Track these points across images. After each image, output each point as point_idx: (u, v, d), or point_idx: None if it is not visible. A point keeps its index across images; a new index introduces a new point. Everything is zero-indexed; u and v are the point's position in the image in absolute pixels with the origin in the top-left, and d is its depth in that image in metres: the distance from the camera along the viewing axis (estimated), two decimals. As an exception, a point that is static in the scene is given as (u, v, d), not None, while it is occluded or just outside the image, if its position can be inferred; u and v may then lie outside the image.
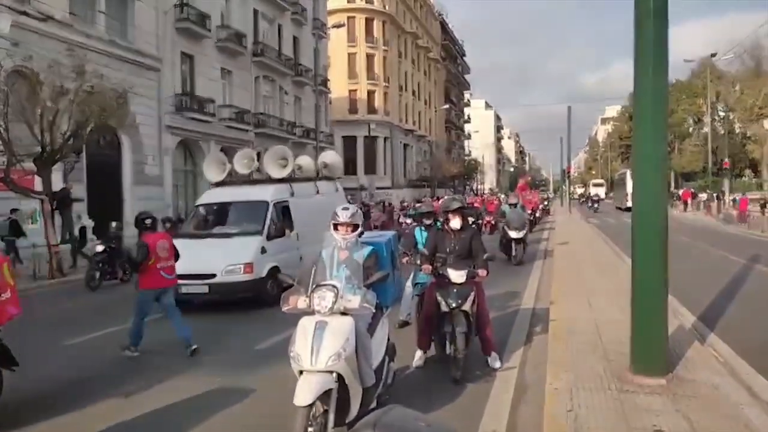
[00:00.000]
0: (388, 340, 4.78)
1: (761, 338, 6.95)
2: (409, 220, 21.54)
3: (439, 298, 5.40)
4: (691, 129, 63.44)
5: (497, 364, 5.73)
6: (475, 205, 24.75)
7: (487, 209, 22.69)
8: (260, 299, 9.30)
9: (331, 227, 4.56)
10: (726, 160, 39.87)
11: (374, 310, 4.19)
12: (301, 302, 4.01)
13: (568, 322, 7.08)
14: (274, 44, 33.04)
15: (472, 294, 5.42)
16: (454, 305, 5.32)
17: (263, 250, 9.73)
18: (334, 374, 3.71)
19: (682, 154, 59.16)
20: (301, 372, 3.74)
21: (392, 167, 54.77)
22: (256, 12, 31.05)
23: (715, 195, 36.41)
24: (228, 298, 9.26)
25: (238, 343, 7.39)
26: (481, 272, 5.50)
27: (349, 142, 50.73)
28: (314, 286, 4.04)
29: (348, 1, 50.55)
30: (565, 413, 4.24)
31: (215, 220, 10.90)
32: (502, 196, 38.52)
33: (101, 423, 4.73)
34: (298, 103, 36.49)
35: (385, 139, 53.60)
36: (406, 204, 32.78)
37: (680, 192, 42.39)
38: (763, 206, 29.13)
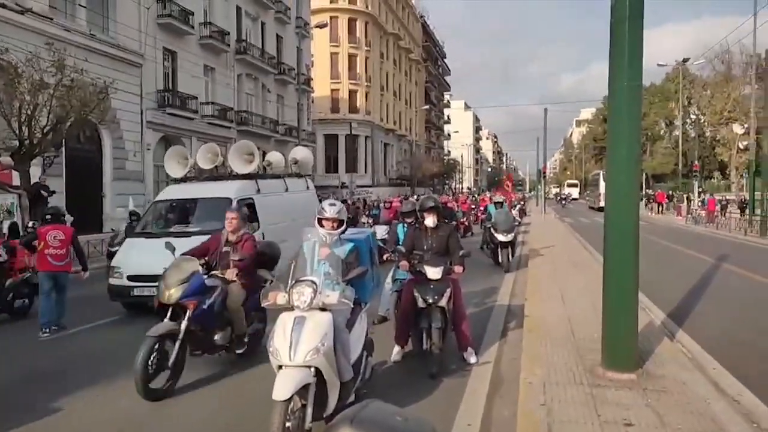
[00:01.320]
0: (367, 335, 4.84)
1: (727, 334, 7.21)
2: (370, 220, 20.87)
3: (416, 294, 5.52)
4: (662, 132, 64.81)
5: (473, 359, 5.85)
6: (448, 205, 24.72)
7: (461, 209, 21.97)
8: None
9: (316, 221, 4.60)
10: (696, 162, 40.72)
11: (353, 306, 4.24)
12: (280, 298, 4.05)
13: (542, 318, 7.26)
14: (258, 42, 32.90)
15: (449, 290, 5.54)
16: (430, 301, 5.43)
17: None
18: (313, 369, 3.76)
19: (653, 156, 60.35)
20: (279, 367, 3.77)
21: (373, 166, 54.88)
22: (239, 9, 30.89)
23: (685, 196, 37.22)
24: None
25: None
26: (457, 269, 5.65)
27: (331, 141, 50.76)
28: (293, 281, 4.08)
29: (331, 1, 50.51)
30: (538, 407, 4.37)
31: (174, 218, 10.25)
32: (487, 193, 38.07)
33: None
34: (281, 102, 36.37)
35: (366, 138, 53.68)
36: (372, 202, 32.60)
37: (655, 193, 43.14)
38: (723, 207, 30.00)
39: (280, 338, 3.82)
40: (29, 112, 12.62)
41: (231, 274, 5.87)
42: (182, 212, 10.24)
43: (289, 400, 3.61)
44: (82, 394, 5.34)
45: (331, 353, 3.88)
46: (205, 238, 9.14)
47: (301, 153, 13.08)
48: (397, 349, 5.95)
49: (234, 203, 9.67)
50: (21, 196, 13.31)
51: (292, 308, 3.97)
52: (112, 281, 8.85)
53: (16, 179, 13.78)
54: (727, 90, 47.59)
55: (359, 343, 4.59)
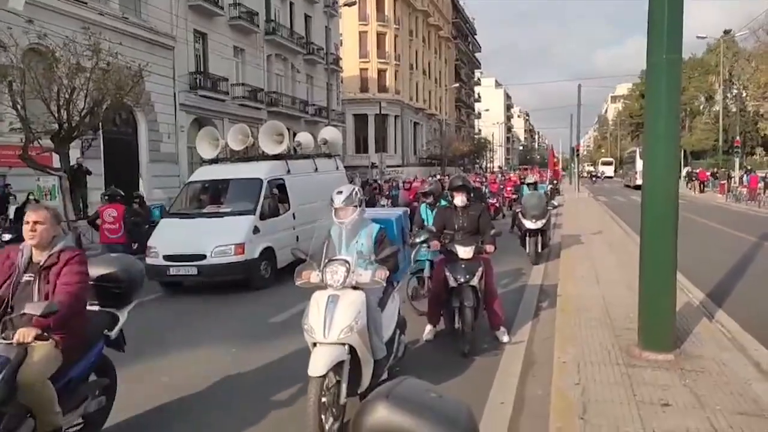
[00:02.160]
0: (399, 313, 4.87)
1: (769, 316, 7.01)
2: (389, 202, 20.24)
3: (448, 273, 5.53)
4: (702, 107, 62.59)
5: (505, 338, 5.86)
6: (475, 185, 23.11)
7: (490, 190, 20.25)
8: (252, 281, 9.06)
9: (332, 212, 4.50)
10: (737, 138, 39.23)
11: (385, 285, 4.27)
12: (314, 276, 4.09)
13: (576, 298, 7.18)
14: (286, 23, 32.86)
15: (480, 269, 5.54)
16: (462, 280, 5.44)
17: (256, 230, 9.34)
18: (347, 346, 3.81)
19: (692, 132, 58.48)
20: (314, 344, 3.84)
21: (402, 145, 54.65)
22: (267, -11, 30.85)
23: (726, 173, 36.06)
24: (218, 280, 8.99)
25: (250, 317, 7.58)
26: (489, 247, 5.65)
27: (360, 121, 50.65)
28: (326, 260, 4.12)
29: (360, -22, 49.92)
30: (572, 386, 4.33)
31: (206, 199, 10.40)
32: (512, 173, 36.81)
33: (122, 397, 4.93)
34: (310, 82, 36.38)
35: (396, 117, 53.38)
36: (390, 181, 31.10)
37: (697, 171, 41.76)
38: (767, 185, 28.79)
39: (315, 316, 3.86)
40: (67, 95, 12.90)
41: (25, 335, 3.13)
42: (214, 193, 10.42)
43: (324, 376, 3.65)
44: (121, 371, 5.51)
45: (364, 331, 3.92)
46: (236, 218, 9.35)
47: (330, 133, 13.08)
48: (429, 328, 6.00)
49: (265, 183, 9.82)
50: (61, 178, 13.69)
51: (325, 287, 4.00)
52: (149, 261, 9.05)
53: (56, 162, 14.17)
54: (772, 62, 45.53)
55: (392, 321, 4.62)
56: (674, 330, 5.14)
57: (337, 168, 12.83)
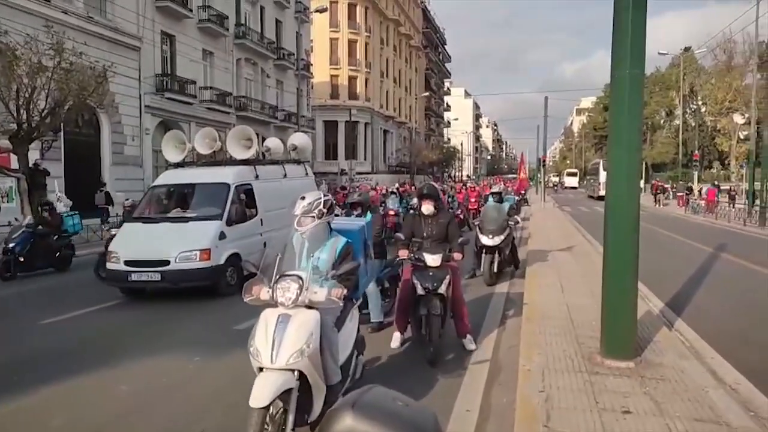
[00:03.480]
0: (358, 332, 4.64)
1: (725, 324, 7.25)
2: (343, 212, 20.14)
3: (415, 281, 5.52)
4: (663, 121, 64.72)
5: (472, 346, 5.89)
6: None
7: (457, 200, 19.52)
8: (218, 288, 8.80)
9: (294, 220, 4.19)
10: (696, 152, 40.67)
11: (341, 304, 3.92)
12: (264, 293, 3.72)
13: (541, 306, 7.28)
14: (257, 27, 32.65)
15: (448, 277, 5.55)
16: (429, 288, 5.43)
17: (222, 236, 9.11)
18: (296, 372, 3.48)
19: (653, 145, 60.31)
20: (260, 369, 3.48)
21: (372, 153, 54.80)
22: (237, -8, 30.63)
23: (687, 186, 37.27)
24: (182, 287, 8.72)
25: (215, 325, 7.43)
26: (456, 255, 5.68)
27: (330, 127, 50.64)
28: (278, 276, 3.76)
29: (331, -15, 50.04)
30: (537, 394, 4.38)
31: (172, 203, 10.16)
32: (475, 184, 34.13)
33: (81, 405, 4.78)
34: (280, 87, 36.18)
35: (366, 124, 53.54)
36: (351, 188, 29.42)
37: (652, 184, 42.82)
38: (732, 198, 29.89)
39: (261, 338, 3.51)
40: (27, 95, 12.55)
41: None
42: (180, 197, 10.20)
43: (269, 406, 3.32)
44: (78, 379, 5.36)
45: (316, 355, 3.61)
46: (202, 223, 9.16)
47: (299, 139, 12.88)
48: (396, 335, 5.98)
49: (232, 188, 9.67)
50: (19, 179, 13.27)
51: (276, 305, 3.67)
52: (109, 266, 8.84)
53: (14, 163, 13.74)
54: (728, 79, 47.42)
55: (349, 342, 4.34)
56: (635, 338, 5.26)
57: (307, 174, 12.69)
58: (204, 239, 8.84)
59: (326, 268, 4.11)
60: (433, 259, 5.53)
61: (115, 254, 8.85)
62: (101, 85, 14.44)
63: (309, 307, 3.67)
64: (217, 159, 10.89)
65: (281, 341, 3.46)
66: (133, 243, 8.95)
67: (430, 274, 5.50)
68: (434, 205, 5.90)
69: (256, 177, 10.38)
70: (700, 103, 56.11)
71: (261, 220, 10.16)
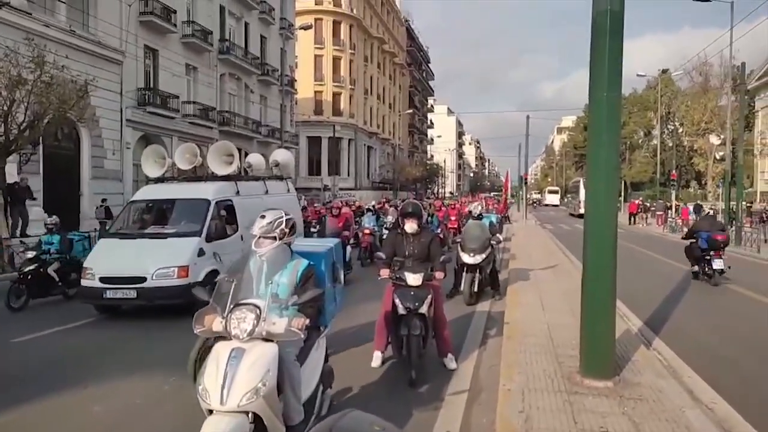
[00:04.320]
0: (326, 361, 4.35)
1: (702, 342, 7.34)
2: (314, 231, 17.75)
3: (396, 300, 5.46)
4: (641, 141, 66.00)
5: (453, 365, 5.87)
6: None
7: (437, 218, 18.13)
8: (196, 306, 8.68)
9: (253, 240, 3.90)
10: (673, 171, 41.45)
11: (303, 336, 3.54)
12: (217, 323, 3.37)
13: (521, 324, 7.31)
14: (241, 42, 32.70)
15: (429, 297, 5.51)
16: (411, 308, 5.38)
17: (201, 252, 8.93)
18: (250, 414, 3.12)
19: (632, 164, 61.33)
20: (210, 411, 3.12)
21: (356, 169, 54.92)
22: (222, 9, 30.68)
23: (665, 205, 37.91)
24: (159, 305, 8.47)
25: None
26: (438, 274, 5.63)
27: (314, 143, 50.71)
28: (232, 304, 3.40)
29: (316, 3, 50.50)
30: (516, 414, 4.38)
31: (150, 219, 9.99)
32: (455, 202, 32.23)
33: (53, 426, 4.66)
34: (264, 102, 36.17)
35: (350, 140, 53.70)
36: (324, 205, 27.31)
37: (628, 203, 43.37)
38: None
39: (211, 375, 3.14)
40: (5, 108, 12.37)
41: None
42: (159, 213, 10.03)
43: None
44: (49, 399, 5.23)
45: (273, 395, 3.25)
46: (181, 240, 8.99)
47: (282, 155, 12.88)
48: (376, 354, 5.92)
49: (212, 204, 9.56)
50: (-5, 193, 13.04)
51: (229, 337, 3.31)
52: (84, 282, 8.63)
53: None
54: (704, 101, 48.55)
55: (314, 375, 4.00)
56: (614, 358, 5.31)
57: (288, 191, 12.65)
58: (182, 256, 8.66)
59: (287, 293, 3.75)
60: (414, 278, 5.47)
61: (90, 270, 8.65)
62: (82, 98, 14.30)
63: (267, 339, 3.33)
64: (198, 174, 10.78)
65: (233, 379, 3.09)
66: (109, 259, 8.77)
67: (412, 293, 5.44)
68: (418, 223, 5.87)
69: (237, 193, 10.28)
70: (677, 123, 57.31)
71: (241, 236, 9.94)
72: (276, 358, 3.30)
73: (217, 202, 9.69)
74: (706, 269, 12.27)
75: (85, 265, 8.90)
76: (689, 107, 52.04)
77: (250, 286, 3.79)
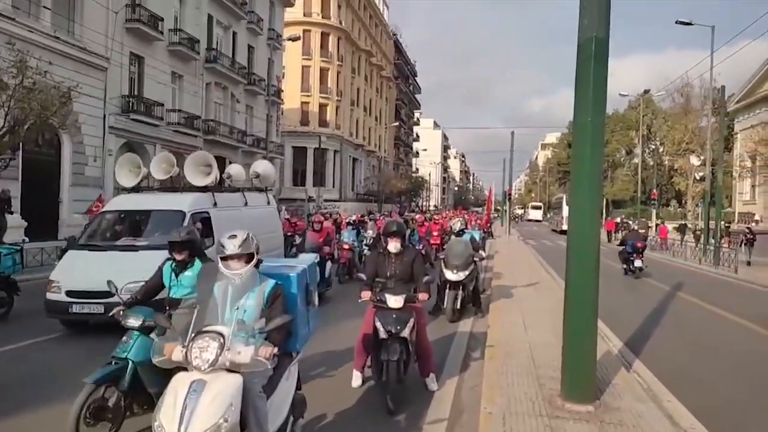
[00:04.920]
0: (299, 389, 4.14)
1: (681, 365, 7.39)
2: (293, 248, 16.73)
3: (378, 323, 5.26)
4: (623, 159, 67.03)
5: (434, 386, 5.81)
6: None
7: (418, 234, 16.68)
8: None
9: (219, 261, 3.65)
10: (654, 190, 42.10)
11: (270, 366, 3.32)
12: (177, 353, 3.14)
13: (503, 344, 7.29)
14: (228, 52, 32.64)
15: (412, 320, 5.32)
16: (393, 331, 5.19)
17: None
18: None
19: (613, 182, 62.17)
20: None
21: (341, 180, 54.88)
22: (210, 18, 30.63)
23: (646, 223, 38.40)
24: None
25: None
26: (422, 296, 5.43)
27: (300, 154, 50.63)
28: (193, 333, 3.18)
29: (304, 15, 50.66)
30: (498, 437, 4.39)
31: (122, 230, 9.54)
32: (437, 216, 30.48)
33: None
34: (250, 112, 36.07)
35: (335, 152, 53.72)
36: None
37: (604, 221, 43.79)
38: (698, 238, 30.90)
39: (168, 410, 2.92)
40: (-15, 113, 12.18)
41: None
42: (131, 224, 9.63)
43: None
44: (8, 419, 5.07)
45: (236, 430, 3.04)
46: (153, 253, 8.27)
47: (262, 166, 12.59)
48: (356, 374, 5.82)
49: (187, 216, 9.18)
50: (-28, 200, 12.78)
51: (190, 368, 3.10)
52: (50, 296, 8.18)
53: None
54: (685, 122, 49.48)
55: (284, 405, 3.77)
56: (595, 381, 5.32)
57: (269, 203, 12.41)
58: (153, 269, 8.46)
59: (254, 317, 3.52)
60: (395, 301, 5.28)
61: (56, 284, 8.22)
62: (65, 105, 14.11)
63: (231, 370, 3.12)
64: (174, 185, 10.42)
65: (192, 415, 2.87)
66: (77, 272, 8.36)
67: (393, 316, 5.25)
68: (401, 242, 5.73)
69: (215, 205, 10.00)
70: (658, 143, 58.33)
71: None
72: (240, 390, 3.10)
73: (192, 214, 9.38)
74: (631, 267, 17.14)
75: (51, 277, 8.49)
76: (671, 127, 53.03)
77: (215, 311, 3.53)
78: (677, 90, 48.72)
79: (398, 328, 5.21)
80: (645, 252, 17.96)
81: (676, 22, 25.43)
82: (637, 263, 16.95)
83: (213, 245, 9.39)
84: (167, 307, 4.88)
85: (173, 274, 5.15)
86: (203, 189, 10.11)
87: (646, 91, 46.77)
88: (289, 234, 18.59)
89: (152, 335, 4.61)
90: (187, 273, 5.08)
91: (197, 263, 5.09)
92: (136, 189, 10.26)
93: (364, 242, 15.67)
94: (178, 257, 5.13)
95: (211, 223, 9.72)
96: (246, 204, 11.05)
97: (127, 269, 8.14)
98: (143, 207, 9.69)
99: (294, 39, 33.64)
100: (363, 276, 5.68)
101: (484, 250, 13.33)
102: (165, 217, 9.23)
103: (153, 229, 9.28)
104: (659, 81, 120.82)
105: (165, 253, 8.53)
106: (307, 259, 4.75)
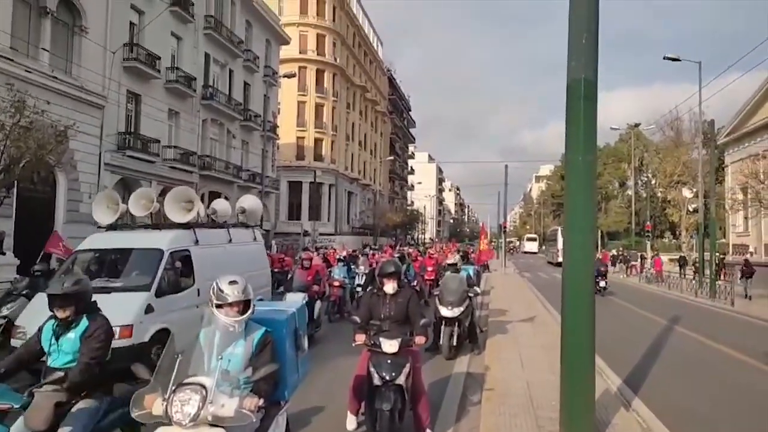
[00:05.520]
0: None
1: (680, 402, 7.30)
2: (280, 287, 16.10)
3: (372, 369, 4.96)
4: (616, 191, 67.57)
5: None
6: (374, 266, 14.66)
7: (413, 269, 15.99)
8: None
9: (213, 307, 3.52)
10: (648, 222, 42.33)
11: (256, 419, 3.20)
12: (157, 406, 2.99)
13: (501, 383, 7.20)
14: (225, 89, 33.04)
15: (408, 365, 5.01)
16: (387, 378, 4.89)
17: (149, 309, 8.10)
18: None
19: (607, 214, 62.54)
20: None
21: (336, 214, 54.96)
22: (207, 56, 31.10)
23: (639, 255, 38.53)
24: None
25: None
26: (418, 339, 5.14)
27: (295, 188, 50.82)
28: (174, 385, 3.03)
29: (300, 52, 51.52)
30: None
31: (96, 271, 9.01)
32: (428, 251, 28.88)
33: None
34: (246, 147, 36.33)
35: (331, 186, 53.94)
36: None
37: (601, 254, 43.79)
38: (682, 265, 31.03)
39: None
40: (-20, 152, 12.21)
41: None
42: (106, 264, 9.18)
43: None
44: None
45: None
46: (127, 295, 8.02)
47: (248, 201, 12.15)
48: (350, 417, 5.64)
49: (166, 255, 8.75)
50: (-36, 238, 12.69)
51: (170, 423, 2.97)
52: (14, 343, 7.63)
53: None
54: (676, 154, 50.12)
55: None
56: (594, 423, 5.23)
57: (255, 239, 11.92)
58: (126, 313, 7.76)
59: (240, 366, 3.40)
60: (390, 345, 4.96)
61: (21, 329, 7.72)
62: (61, 143, 14.17)
63: (214, 424, 2.97)
64: (155, 222, 9.94)
65: None
66: (44, 317, 8.03)
67: (388, 361, 4.93)
68: (398, 283, 5.49)
69: (196, 242, 9.54)
70: (650, 175, 58.91)
71: (198, 290, 9.11)
72: None
73: (171, 253, 8.95)
74: (597, 287, 19.70)
75: (16, 323, 8.06)
76: (662, 159, 53.65)
77: (200, 361, 3.35)
78: (667, 123, 49.54)
79: (393, 374, 4.91)
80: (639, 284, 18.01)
81: (663, 58, 26.01)
82: (602, 284, 21.59)
83: (194, 285, 9.19)
84: (43, 378, 3.86)
85: (53, 337, 3.99)
86: (184, 226, 9.66)
87: (637, 125, 47.52)
88: (276, 270, 18.16)
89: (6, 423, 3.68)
90: (69, 335, 3.95)
91: (83, 321, 3.97)
92: (113, 227, 9.76)
93: (356, 279, 15.33)
94: (60, 315, 3.96)
95: (192, 261, 9.33)
96: (230, 241, 10.63)
97: None
98: (119, 246, 9.21)
99: (290, 76, 34.14)
100: (357, 319, 5.44)
101: (479, 285, 13.15)
102: (142, 256, 8.85)
103: (129, 269, 8.88)
104: (648, 114, 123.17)
105: (141, 296, 8.27)
106: (296, 301, 4.62)
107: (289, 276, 14.47)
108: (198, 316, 8.38)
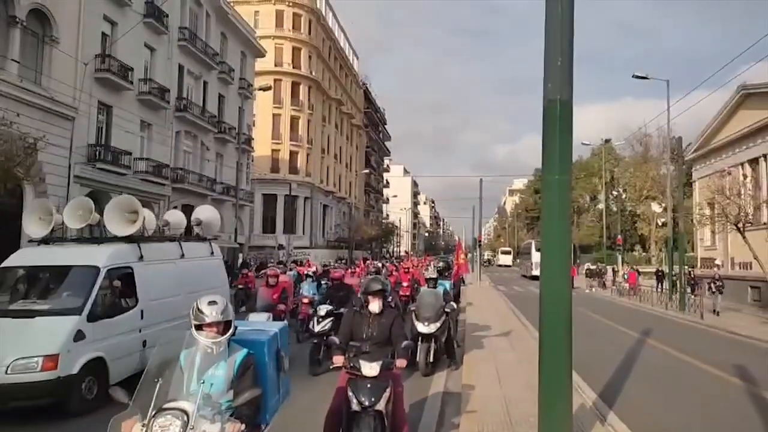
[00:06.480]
0: None
1: (653, 416, 7.40)
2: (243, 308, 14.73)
3: (350, 394, 4.65)
4: (587, 205, 68.84)
5: None
6: (345, 281, 13.45)
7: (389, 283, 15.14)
8: (68, 406, 6.85)
9: (192, 328, 3.44)
10: (619, 236, 43.15)
11: None
12: None
13: (478, 400, 7.22)
14: (198, 101, 32.78)
15: (388, 390, 4.70)
16: (366, 404, 4.59)
17: (80, 336, 7.19)
18: None
19: (579, 227, 63.60)
20: None
21: (311, 227, 54.72)
22: (181, 68, 30.84)
23: (611, 269, 39.20)
24: (16, 407, 6.65)
25: None
26: (400, 362, 4.87)
27: (270, 201, 50.49)
28: (154, 410, 2.96)
29: (275, 65, 51.47)
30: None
31: (22, 291, 8.01)
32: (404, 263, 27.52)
33: None
34: (220, 160, 36.00)
35: (306, 199, 53.75)
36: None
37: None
38: (659, 279, 31.46)
39: None
40: (-55, 164, 11.86)
41: None
42: (34, 284, 8.18)
43: None
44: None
45: None
46: (53, 319, 7.21)
47: (205, 212, 11.25)
48: None
49: (102, 273, 7.82)
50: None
51: None
52: None
53: None
54: (645, 169, 51.27)
55: None
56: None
57: (212, 253, 10.92)
58: (51, 341, 6.92)
59: (222, 389, 3.34)
60: (370, 369, 4.67)
61: None
62: (30, 156, 13.85)
63: None
64: (94, 235, 9.08)
65: None
66: None
67: (368, 386, 4.64)
68: (384, 302, 5.25)
69: (140, 258, 8.60)
70: (621, 190, 60.16)
71: (141, 312, 8.35)
72: None
73: (109, 270, 8.01)
74: None
75: None
76: (632, 174, 54.86)
77: (180, 384, 3.27)
78: (637, 139, 50.71)
79: (372, 400, 4.60)
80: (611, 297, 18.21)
81: (633, 76, 26.67)
82: None
83: (136, 307, 8.37)
84: None
85: None
86: (128, 239, 8.72)
87: (607, 141, 48.59)
88: (239, 288, 17.75)
89: None
90: None
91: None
92: (45, 240, 8.80)
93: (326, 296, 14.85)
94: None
95: (135, 280, 8.43)
96: (183, 256, 9.68)
97: (17, 341, 6.84)
98: (49, 262, 8.18)
99: (265, 89, 34.03)
100: (335, 339, 5.17)
101: (457, 301, 12.97)
102: (75, 274, 7.95)
103: (59, 289, 7.95)
104: (619, 128, 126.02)
105: (71, 320, 7.40)
106: (278, 323, 4.50)
107: (254, 293, 13.36)
108: (140, 341, 8.17)
